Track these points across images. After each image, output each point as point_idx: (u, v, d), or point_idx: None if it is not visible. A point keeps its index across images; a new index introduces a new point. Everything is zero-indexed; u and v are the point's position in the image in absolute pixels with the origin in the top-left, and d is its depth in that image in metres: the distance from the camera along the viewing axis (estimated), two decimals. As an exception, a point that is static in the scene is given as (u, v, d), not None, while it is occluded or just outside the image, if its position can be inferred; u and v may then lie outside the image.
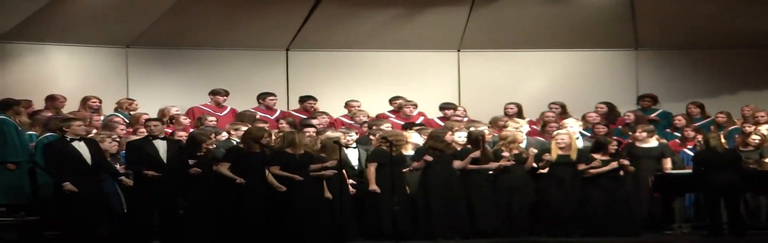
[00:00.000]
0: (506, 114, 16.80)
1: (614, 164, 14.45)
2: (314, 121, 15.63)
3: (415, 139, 14.63)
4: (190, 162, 13.17)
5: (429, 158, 13.98)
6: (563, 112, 17.04)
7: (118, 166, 13.31)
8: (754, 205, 15.06)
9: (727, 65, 18.42)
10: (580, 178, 14.45)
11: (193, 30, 17.40)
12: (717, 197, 13.98)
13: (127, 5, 16.47)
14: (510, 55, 18.53)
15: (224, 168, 13.12)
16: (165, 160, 13.11)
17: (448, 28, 18.09)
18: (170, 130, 15.37)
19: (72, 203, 12.55)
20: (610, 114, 17.26)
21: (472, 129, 14.73)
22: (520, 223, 14.33)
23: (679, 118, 16.79)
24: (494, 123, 16.02)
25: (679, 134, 16.42)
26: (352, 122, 16.46)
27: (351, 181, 14.00)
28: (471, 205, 14.14)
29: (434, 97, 17.62)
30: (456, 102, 17.80)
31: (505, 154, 14.26)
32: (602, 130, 16.04)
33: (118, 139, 13.83)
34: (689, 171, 14.81)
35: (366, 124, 15.78)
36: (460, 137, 14.46)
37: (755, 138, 15.04)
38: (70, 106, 15.81)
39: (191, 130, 15.04)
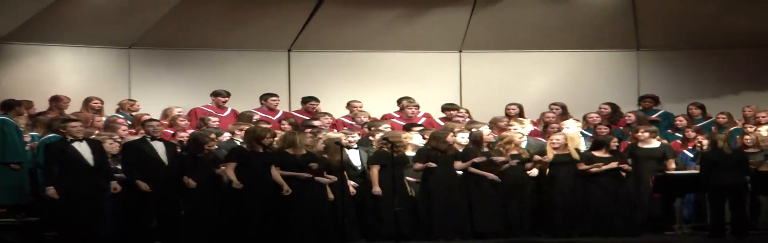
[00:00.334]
0: (508, 115, 16.80)
1: (613, 164, 14.46)
2: (316, 122, 15.63)
3: (416, 139, 14.63)
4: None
5: (432, 165, 13.97)
6: (564, 113, 17.03)
7: (118, 167, 13.35)
8: (756, 205, 15.04)
9: (728, 66, 18.40)
10: (581, 178, 14.46)
11: (195, 31, 17.40)
12: (722, 198, 13.95)
13: (129, 6, 16.48)
14: (512, 56, 18.52)
15: (231, 169, 13.09)
16: (165, 161, 13.11)
17: (450, 28, 18.08)
18: (171, 132, 15.41)
19: (71, 204, 12.55)
20: (614, 115, 17.25)
21: (473, 130, 14.74)
22: (520, 224, 14.34)
23: (680, 118, 16.80)
24: (494, 123, 16.04)
25: (680, 135, 16.42)
26: (354, 123, 16.47)
27: (352, 182, 14.00)
28: (472, 206, 14.15)
29: (436, 98, 17.62)
30: (458, 103, 17.79)
31: (500, 158, 14.25)
32: (604, 130, 16.03)
33: (119, 140, 13.83)
34: (690, 172, 14.83)
35: (365, 126, 15.79)
36: (462, 138, 14.46)
37: (748, 138, 15.03)
38: (72, 107, 15.82)
39: (191, 130, 15.05)
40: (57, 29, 16.42)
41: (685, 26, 17.92)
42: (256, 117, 15.88)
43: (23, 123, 14.25)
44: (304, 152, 13.43)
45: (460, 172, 14.25)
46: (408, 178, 14.20)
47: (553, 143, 14.59)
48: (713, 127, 16.63)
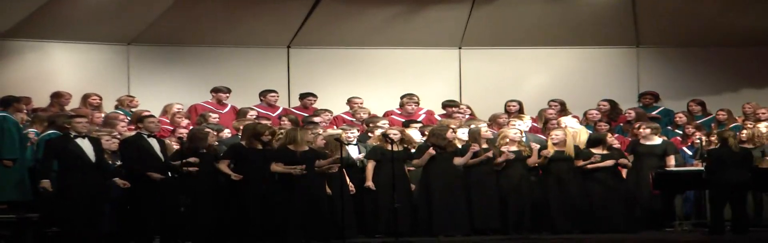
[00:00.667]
0: (508, 111, 16.80)
1: (610, 162, 14.46)
2: (317, 119, 15.63)
3: (415, 136, 14.62)
4: (192, 160, 13.16)
5: (432, 151, 13.96)
6: (563, 110, 17.04)
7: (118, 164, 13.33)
8: (757, 202, 15.03)
9: (728, 63, 18.40)
10: (580, 175, 14.45)
11: (195, 27, 17.39)
12: (725, 195, 13.94)
13: (128, 2, 16.46)
14: (511, 53, 18.51)
15: (224, 165, 13.15)
16: (162, 158, 13.09)
17: (449, 25, 18.07)
18: (171, 128, 15.40)
19: (73, 201, 12.53)
20: (613, 111, 17.25)
21: (472, 126, 14.73)
22: (520, 221, 14.33)
23: (680, 115, 16.81)
24: (493, 120, 16.04)
25: (680, 131, 16.41)
26: (353, 119, 16.47)
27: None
28: (471, 202, 14.14)
29: (436, 95, 17.61)
30: (457, 99, 17.78)
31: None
32: (604, 127, 16.05)
33: (118, 137, 13.81)
34: (690, 168, 14.83)
35: (364, 122, 15.80)
36: (462, 134, 14.46)
37: (744, 133, 15.01)
38: (71, 104, 15.80)
39: (191, 127, 15.04)
40: (56, 26, 16.40)
41: (685, 23, 17.92)
42: (252, 113, 15.85)
43: (25, 119, 14.20)
44: (307, 148, 13.42)
45: (459, 169, 14.25)
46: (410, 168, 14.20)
47: (553, 139, 14.58)
48: (713, 124, 16.65)
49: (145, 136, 13.13)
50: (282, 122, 15.52)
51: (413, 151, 14.27)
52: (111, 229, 13.11)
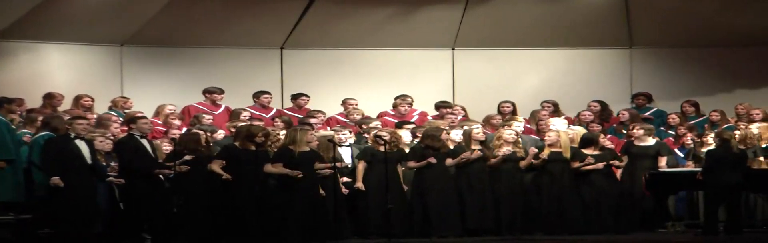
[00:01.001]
0: (502, 112, 16.81)
1: (600, 165, 14.46)
2: (312, 120, 15.64)
3: (406, 137, 14.62)
4: (188, 158, 13.16)
5: (433, 160, 13.97)
6: (556, 111, 17.05)
7: (112, 165, 13.32)
8: (751, 203, 15.04)
9: (721, 63, 18.41)
10: (574, 176, 14.46)
11: (188, 28, 17.38)
12: (722, 196, 13.95)
13: (121, 3, 16.45)
14: (504, 54, 18.52)
15: (216, 166, 13.15)
16: (155, 158, 13.09)
17: (442, 26, 18.07)
18: (164, 129, 15.39)
19: (67, 201, 12.54)
20: (603, 112, 17.26)
21: (465, 128, 14.74)
22: (513, 221, 14.32)
23: (673, 116, 16.82)
24: (487, 121, 16.05)
25: (673, 132, 16.43)
26: (347, 120, 16.47)
27: (344, 179, 14.02)
28: (464, 203, 14.15)
29: (429, 96, 17.61)
30: (450, 100, 17.78)
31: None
32: (596, 128, 16.05)
33: (111, 138, 13.81)
34: (683, 169, 14.84)
35: (357, 123, 15.81)
36: (456, 135, 14.46)
37: (737, 134, 15.02)
38: (63, 105, 15.79)
39: (185, 128, 15.04)
40: (49, 27, 16.39)
41: (679, 24, 17.93)
42: (245, 114, 15.85)
43: (18, 120, 14.19)
44: (307, 149, 13.45)
45: (452, 170, 14.25)
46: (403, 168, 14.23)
47: (547, 140, 14.59)
48: (706, 125, 16.66)
49: (138, 137, 13.13)
50: (275, 123, 15.52)
51: (407, 150, 14.27)
52: (103, 229, 13.11)
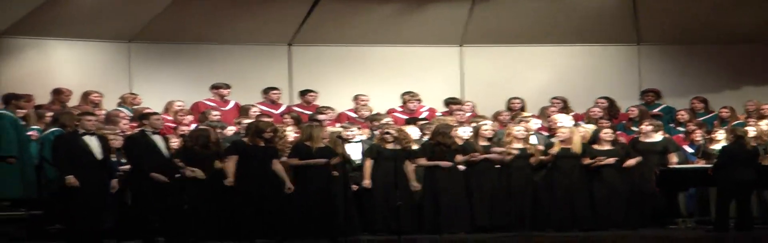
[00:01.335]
0: (511, 109, 16.80)
1: (611, 160, 14.44)
2: (321, 116, 15.63)
3: (414, 133, 14.60)
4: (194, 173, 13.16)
5: (444, 165, 13.94)
6: (565, 107, 17.04)
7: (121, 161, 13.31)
8: (762, 200, 15.03)
9: (730, 60, 18.39)
10: (584, 172, 14.44)
11: (196, 25, 17.36)
12: (733, 193, 13.92)
13: (129, 0, 16.43)
14: (512, 50, 18.49)
15: (232, 162, 13.10)
16: (166, 154, 13.07)
17: (450, 22, 18.06)
18: (173, 125, 15.38)
19: (78, 198, 12.53)
20: (611, 109, 17.24)
21: (473, 125, 14.72)
22: (523, 218, 14.31)
23: (682, 113, 16.81)
24: (495, 118, 16.06)
25: (682, 129, 16.41)
26: (356, 116, 16.46)
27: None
28: (474, 199, 14.13)
29: (437, 92, 17.62)
30: (459, 97, 17.77)
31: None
32: (605, 125, 16.02)
33: (121, 135, 13.80)
34: (693, 166, 14.84)
35: (368, 119, 15.79)
36: (464, 132, 14.44)
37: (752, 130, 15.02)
38: (71, 101, 15.78)
39: (194, 125, 15.02)
40: (57, 23, 16.37)
41: (687, 20, 17.91)
42: (254, 110, 15.84)
43: (30, 116, 14.17)
44: (322, 145, 13.47)
45: (461, 167, 14.22)
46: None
47: (558, 136, 14.57)
48: (716, 122, 16.65)
49: (150, 134, 13.12)
50: (285, 120, 15.50)
51: (415, 147, 14.24)
52: (113, 225, 13.10)
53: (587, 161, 14.46)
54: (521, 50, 18.47)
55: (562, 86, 18.06)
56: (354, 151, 14.34)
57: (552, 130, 15.49)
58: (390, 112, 16.78)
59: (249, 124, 13.76)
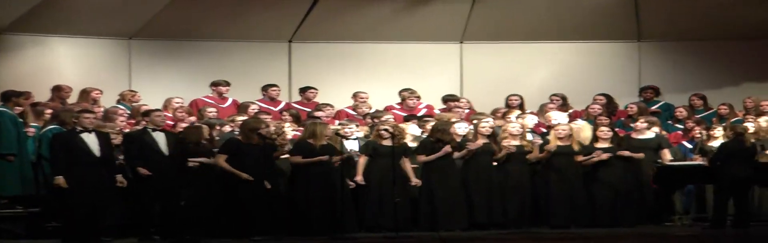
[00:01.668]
0: (510, 106, 16.81)
1: (605, 156, 14.43)
2: (319, 113, 15.65)
3: (413, 130, 14.61)
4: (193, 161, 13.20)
5: (449, 149, 13.97)
6: (564, 104, 17.04)
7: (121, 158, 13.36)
8: (759, 197, 15.02)
9: (730, 57, 18.37)
10: (580, 169, 14.45)
11: (196, 21, 17.39)
12: (730, 189, 13.92)
13: (129, -3, 16.54)
14: (513, 47, 18.50)
15: (221, 160, 13.15)
16: (165, 152, 13.11)
17: (450, 19, 18.07)
18: (172, 123, 15.41)
19: (74, 195, 12.55)
20: (609, 105, 17.23)
21: (474, 121, 14.74)
22: (520, 215, 14.33)
23: (681, 110, 16.79)
24: (493, 114, 16.07)
25: (681, 126, 16.41)
26: (355, 113, 16.48)
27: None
28: (471, 197, 14.15)
29: (437, 89, 17.61)
30: (458, 94, 17.79)
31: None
32: (604, 121, 16.03)
33: (118, 132, 13.81)
34: (690, 163, 14.81)
35: (369, 116, 15.79)
36: (460, 129, 14.45)
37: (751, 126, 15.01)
38: (71, 98, 15.82)
39: (191, 121, 15.05)
40: (57, 20, 16.41)
41: (687, 17, 17.90)
42: (253, 107, 15.87)
43: (28, 113, 14.20)
44: (325, 143, 13.53)
45: (459, 163, 14.25)
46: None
47: (558, 133, 14.57)
48: (714, 118, 16.64)
49: (151, 131, 13.16)
50: (283, 117, 15.53)
51: (413, 145, 14.26)
52: (112, 223, 13.13)
53: (580, 158, 14.47)
54: (521, 47, 18.48)
55: (562, 83, 18.07)
56: (352, 149, 14.34)
57: (548, 128, 15.49)
58: (388, 109, 16.79)
59: (243, 122, 13.77)
